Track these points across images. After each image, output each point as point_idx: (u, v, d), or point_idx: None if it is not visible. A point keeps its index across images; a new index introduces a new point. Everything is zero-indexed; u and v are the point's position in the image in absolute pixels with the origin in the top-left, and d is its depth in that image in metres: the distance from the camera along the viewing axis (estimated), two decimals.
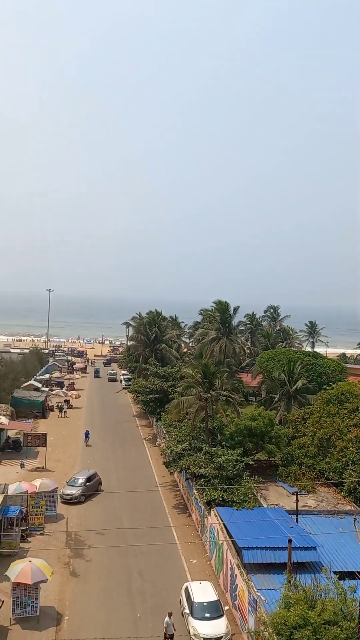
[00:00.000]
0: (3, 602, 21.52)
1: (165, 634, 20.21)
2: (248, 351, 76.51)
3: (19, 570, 21.44)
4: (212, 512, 27.80)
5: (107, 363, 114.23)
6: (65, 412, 61.79)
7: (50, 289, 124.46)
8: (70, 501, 34.10)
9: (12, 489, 30.32)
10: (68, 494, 34.39)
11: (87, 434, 49.99)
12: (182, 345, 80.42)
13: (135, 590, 24.19)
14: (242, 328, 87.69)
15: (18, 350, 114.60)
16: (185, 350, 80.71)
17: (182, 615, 21.75)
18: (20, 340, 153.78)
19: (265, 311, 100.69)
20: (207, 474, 30.21)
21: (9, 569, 22.04)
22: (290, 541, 20.92)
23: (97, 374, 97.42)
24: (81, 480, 35.58)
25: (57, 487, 33.43)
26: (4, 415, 46.52)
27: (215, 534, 26.54)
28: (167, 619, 20.37)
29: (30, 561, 22.07)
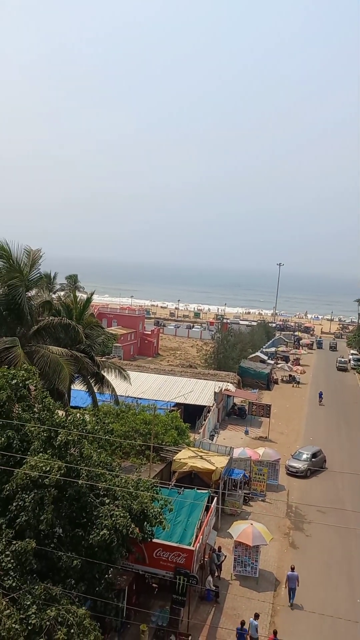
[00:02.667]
0: (225, 556, 22.90)
1: None
2: None
3: (241, 530, 22.46)
4: None
5: (334, 347, 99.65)
6: (298, 382, 63.27)
7: (280, 264, 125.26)
8: (295, 474, 34.27)
9: (236, 453, 31.82)
10: (294, 467, 34.60)
11: (320, 395, 54.34)
12: None
13: (356, 574, 23.28)
14: None
15: (246, 323, 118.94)
16: None
17: None
18: (248, 313, 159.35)
19: None
20: None
21: (232, 527, 23.27)
22: None
23: (319, 346, 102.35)
24: (307, 455, 35.46)
25: (279, 458, 33.88)
26: (231, 382, 48.84)
27: None
28: None
29: (252, 524, 22.91)
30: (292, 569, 21.66)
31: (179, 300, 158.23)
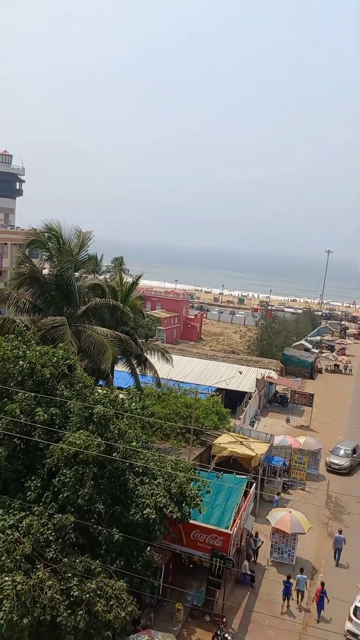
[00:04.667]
0: (262, 542, 22.92)
1: None
2: None
3: (279, 517, 22.39)
4: None
5: None
6: (351, 370, 62.52)
7: (329, 251, 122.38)
8: (338, 471, 33.41)
9: (277, 441, 31.61)
10: (337, 464, 33.66)
11: None
12: None
13: None
14: None
15: (292, 310, 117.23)
16: None
17: None
18: (294, 301, 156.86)
19: None
20: None
21: (270, 513, 23.25)
22: None
23: None
24: (346, 451, 34.52)
25: (321, 448, 33.42)
26: (274, 370, 48.40)
27: None
28: None
29: (290, 511, 22.80)
30: (340, 532, 23.51)
31: (223, 286, 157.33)
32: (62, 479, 13.68)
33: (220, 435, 28.65)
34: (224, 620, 18.31)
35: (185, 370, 43.08)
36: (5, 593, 10.96)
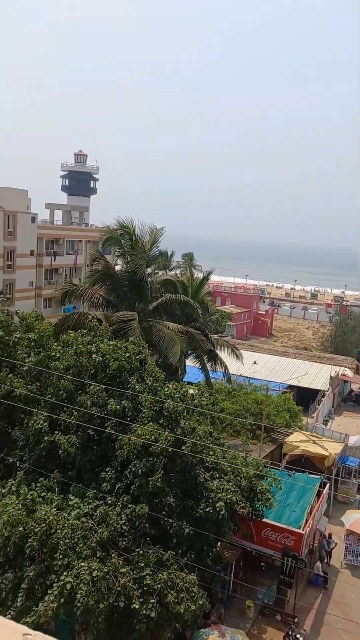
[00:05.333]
0: (336, 544, 22.27)
1: None
2: None
3: (354, 519, 21.69)
4: None
5: None
6: None
7: None
8: None
9: (352, 441, 30.56)
10: None
11: None
12: None
13: None
14: None
15: None
16: None
17: None
18: None
19: None
20: None
21: (344, 515, 22.56)
22: None
23: None
24: None
25: None
26: (349, 367, 46.81)
27: None
28: None
29: None
30: None
31: (295, 281, 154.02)
32: (133, 469, 13.93)
33: (292, 434, 28.12)
34: (296, 620, 17.99)
35: (256, 366, 42.62)
36: (82, 578, 11.34)
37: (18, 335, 17.50)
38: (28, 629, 1.04)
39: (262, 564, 20.52)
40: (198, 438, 15.31)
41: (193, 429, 15.49)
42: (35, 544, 11.84)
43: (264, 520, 18.15)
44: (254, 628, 17.90)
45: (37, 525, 12.02)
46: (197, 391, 18.62)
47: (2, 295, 34.76)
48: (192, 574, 13.58)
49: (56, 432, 15.02)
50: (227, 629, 15.37)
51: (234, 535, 18.17)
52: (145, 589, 12.22)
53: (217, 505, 14.25)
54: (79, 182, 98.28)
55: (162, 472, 13.84)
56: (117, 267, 26.62)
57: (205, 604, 12.92)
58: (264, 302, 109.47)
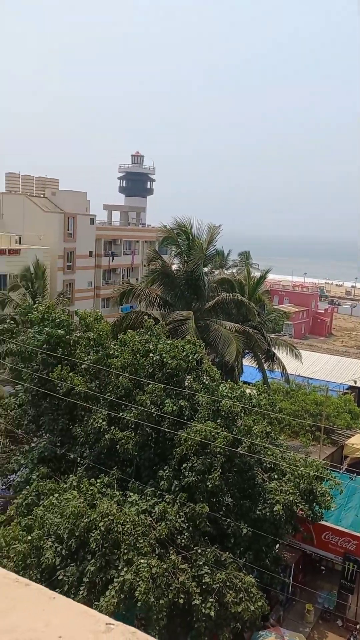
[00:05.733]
0: None
1: None
2: None
3: None
4: None
5: None
6: None
7: None
8: None
9: None
10: None
11: None
12: None
13: None
14: None
15: None
16: None
17: None
18: None
19: None
20: None
21: None
22: None
23: None
24: None
25: None
26: None
27: None
28: None
29: None
30: None
31: (356, 279, 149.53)
32: (190, 465, 13.96)
33: (353, 436, 27.33)
34: (358, 627, 17.50)
35: (315, 366, 41.70)
36: (141, 575, 11.50)
37: (78, 334, 17.95)
38: (111, 619, 1.07)
39: (322, 567, 20.07)
40: (255, 438, 15.17)
41: (249, 429, 15.35)
42: (99, 537, 12.07)
43: (324, 523, 17.76)
44: (313, 632, 17.56)
45: (100, 519, 12.25)
46: (255, 391, 18.46)
47: (62, 296, 35.82)
48: (251, 575, 13.48)
49: (114, 428, 15.29)
50: (286, 631, 15.17)
51: (293, 537, 17.89)
52: (203, 587, 12.25)
53: (274, 508, 14.07)
54: (136, 183, 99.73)
55: (220, 471, 13.81)
56: (174, 267, 26.79)
57: (264, 606, 12.80)
58: (323, 300, 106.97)
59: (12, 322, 23.49)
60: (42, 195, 50.73)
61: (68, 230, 46.61)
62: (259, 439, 15.34)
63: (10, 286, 33.35)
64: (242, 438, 14.96)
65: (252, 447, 14.83)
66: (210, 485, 13.45)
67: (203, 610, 11.87)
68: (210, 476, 13.48)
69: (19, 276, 33.38)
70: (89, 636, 1.02)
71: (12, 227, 45.96)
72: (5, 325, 19.48)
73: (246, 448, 14.65)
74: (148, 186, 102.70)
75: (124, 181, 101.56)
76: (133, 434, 14.99)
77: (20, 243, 44.72)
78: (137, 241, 57.89)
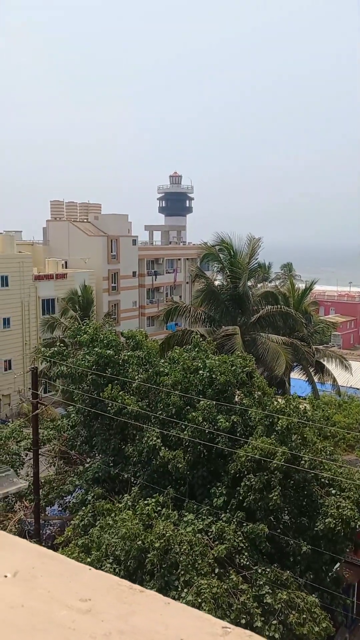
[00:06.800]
0: None
1: None
2: None
3: None
4: None
5: None
6: None
7: None
8: None
9: None
10: None
11: None
12: None
13: None
14: None
15: None
16: None
17: None
18: None
19: None
20: None
21: None
22: None
23: None
24: None
25: None
26: None
27: None
28: None
29: None
30: None
31: None
32: (247, 483, 13.79)
33: None
34: None
35: None
36: (203, 596, 11.36)
37: (128, 354, 18.17)
38: (226, 623, 1.10)
39: None
40: (313, 453, 14.86)
41: (307, 443, 15.05)
42: (155, 559, 12.06)
43: None
44: None
45: (156, 540, 12.24)
46: (308, 405, 18.14)
47: (109, 316, 36.48)
48: (313, 594, 13.10)
49: (165, 448, 15.29)
50: None
51: (354, 554, 17.30)
52: (265, 608, 11.98)
53: (326, 521, 13.66)
54: (175, 202, 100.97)
55: (280, 488, 13.58)
56: (216, 282, 26.87)
57: (330, 627, 12.38)
58: None
59: (62, 344, 24.06)
60: (85, 220, 52.08)
61: (112, 252, 47.59)
62: (316, 453, 15.02)
63: (61, 311, 34.29)
64: (300, 454, 14.70)
65: (312, 463, 14.53)
66: (271, 504, 13.23)
67: (267, 633, 11.60)
68: (270, 495, 13.26)
69: (67, 299, 34.28)
70: (208, 638, 1.06)
71: (58, 253, 47.32)
72: (55, 349, 20.00)
73: (308, 463, 14.37)
74: (187, 205, 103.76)
75: (163, 201, 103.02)
76: (183, 453, 14.95)
77: (66, 267, 45.96)
78: (179, 259, 58.42)
